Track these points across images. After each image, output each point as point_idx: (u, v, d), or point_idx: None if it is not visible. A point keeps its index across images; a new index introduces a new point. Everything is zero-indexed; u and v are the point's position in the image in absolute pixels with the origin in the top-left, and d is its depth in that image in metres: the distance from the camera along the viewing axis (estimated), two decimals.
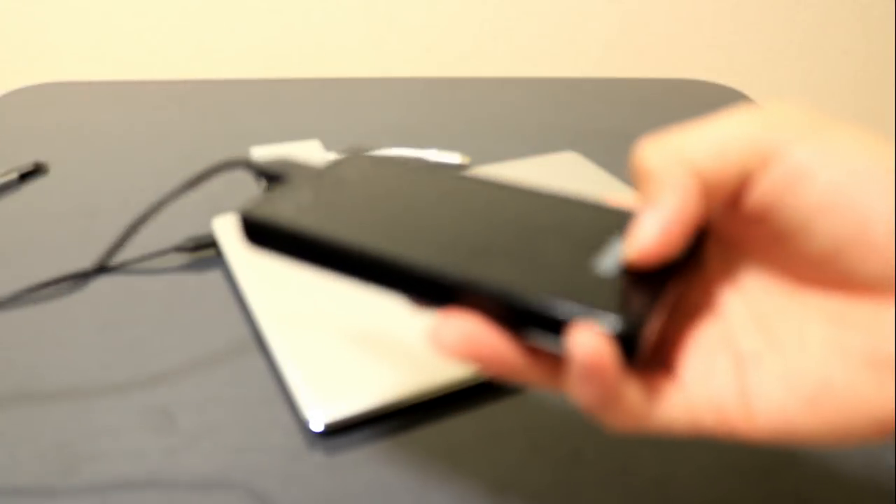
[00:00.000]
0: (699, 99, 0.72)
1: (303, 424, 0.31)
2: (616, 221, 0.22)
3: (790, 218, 0.19)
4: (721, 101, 0.72)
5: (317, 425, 0.30)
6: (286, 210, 0.23)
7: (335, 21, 0.87)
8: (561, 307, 0.18)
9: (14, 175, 0.50)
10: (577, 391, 0.18)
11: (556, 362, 0.20)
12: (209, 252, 0.43)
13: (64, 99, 0.65)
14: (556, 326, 0.19)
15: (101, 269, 0.40)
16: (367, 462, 0.30)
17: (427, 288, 0.20)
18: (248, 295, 0.37)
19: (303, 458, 0.30)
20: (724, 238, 0.22)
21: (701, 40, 0.95)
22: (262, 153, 0.53)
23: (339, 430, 0.31)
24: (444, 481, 0.29)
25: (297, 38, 0.87)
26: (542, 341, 0.19)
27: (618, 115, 0.67)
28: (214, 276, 0.41)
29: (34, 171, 0.51)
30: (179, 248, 0.41)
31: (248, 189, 0.50)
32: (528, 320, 0.19)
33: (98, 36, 0.84)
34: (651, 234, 0.19)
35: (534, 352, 0.20)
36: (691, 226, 0.19)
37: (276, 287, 0.37)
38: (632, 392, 0.19)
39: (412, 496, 0.28)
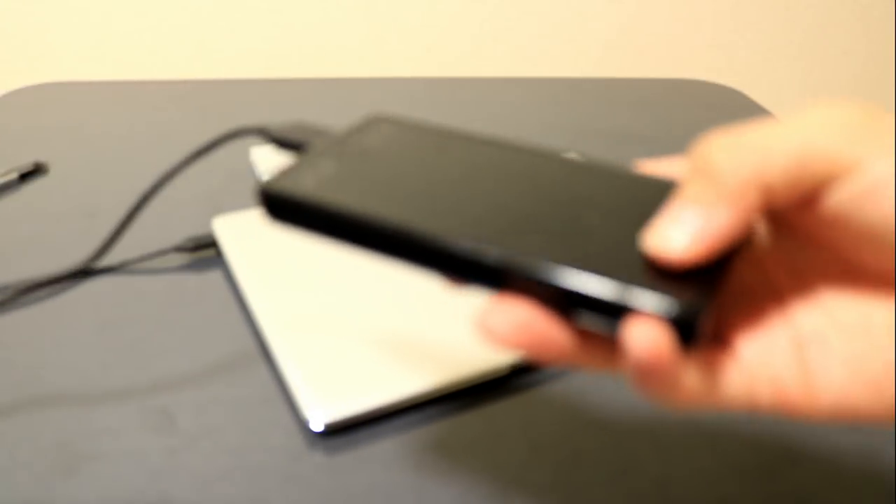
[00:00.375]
0: (699, 99, 0.72)
1: (303, 424, 0.31)
2: (661, 193, 0.21)
3: (862, 227, 0.18)
4: (721, 101, 0.72)
5: (317, 425, 0.30)
6: (309, 183, 0.21)
7: (335, 21, 0.87)
8: (618, 292, 0.18)
9: (14, 175, 0.50)
10: (634, 378, 0.18)
11: (610, 344, 0.19)
12: (209, 252, 0.43)
13: (64, 99, 0.65)
14: (612, 311, 0.18)
15: (103, 268, 0.40)
16: (367, 462, 0.30)
17: (470, 269, 0.19)
18: (248, 295, 0.37)
19: (303, 458, 0.30)
20: (785, 224, 0.21)
21: (701, 40, 0.95)
22: (263, 153, 0.53)
23: (339, 430, 0.31)
24: (444, 481, 0.29)
25: (297, 38, 0.87)
26: (598, 326, 0.18)
27: (618, 115, 0.67)
28: (214, 276, 0.41)
29: (34, 171, 0.51)
30: (179, 248, 0.41)
31: (249, 189, 0.50)
32: (583, 305, 0.18)
33: (98, 36, 0.84)
34: (678, 243, 0.18)
35: (587, 335, 0.19)
36: (729, 243, 0.18)
37: (276, 287, 0.37)
38: (690, 375, 0.18)
39: (412, 496, 0.28)
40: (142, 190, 0.50)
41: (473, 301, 0.36)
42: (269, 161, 0.51)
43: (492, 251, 0.19)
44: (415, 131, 0.24)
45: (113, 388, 0.33)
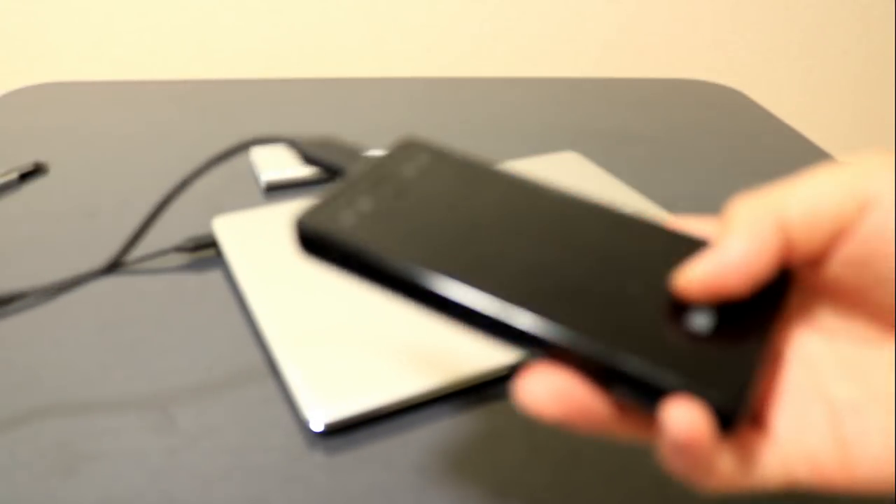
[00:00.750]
0: (699, 99, 0.72)
1: (303, 424, 0.31)
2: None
3: (882, 267, 0.18)
4: (721, 101, 0.72)
5: (317, 425, 0.30)
6: (346, 223, 0.21)
7: (335, 21, 0.87)
8: (659, 374, 0.18)
9: (14, 175, 0.50)
10: (668, 459, 0.18)
11: (647, 418, 0.19)
12: (209, 252, 0.43)
13: (64, 99, 0.65)
14: (653, 393, 0.18)
15: (103, 269, 0.40)
16: (367, 462, 0.30)
17: (510, 334, 0.19)
18: (248, 295, 0.37)
19: (303, 458, 0.30)
20: (806, 282, 0.21)
21: (701, 40, 0.95)
22: (263, 153, 0.53)
23: (339, 430, 0.31)
24: (444, 481, 0.29)
25: (297, 38, 0.87)
26: (636, 402, 0.18)
27: (618, 115, 0.67)
28: (214, 276, 0.41)
29: (34, 171, 0.51)
30: (179, 248, 0.41)
31: (249, 189, 0.50)
32: (623, 381, 0.18)
33: (98, 36, 0.84)
34: (701, 272, 0.19)
35: (625, 406, 0.19)
36: (752, 276, 0.19)
37: (276, 287, 0.37)
38: (725, 460, 0.18)
39: (412, 496, 0.28)
40: (142, 190, 0.50)
41: None
42: (269, 161, 0.51)
43: (533, 319, 0.19)
44: (451, 164, 0.24)
45: (113, 388, 0.33)
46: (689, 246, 0.22)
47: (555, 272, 0.20)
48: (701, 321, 0.19)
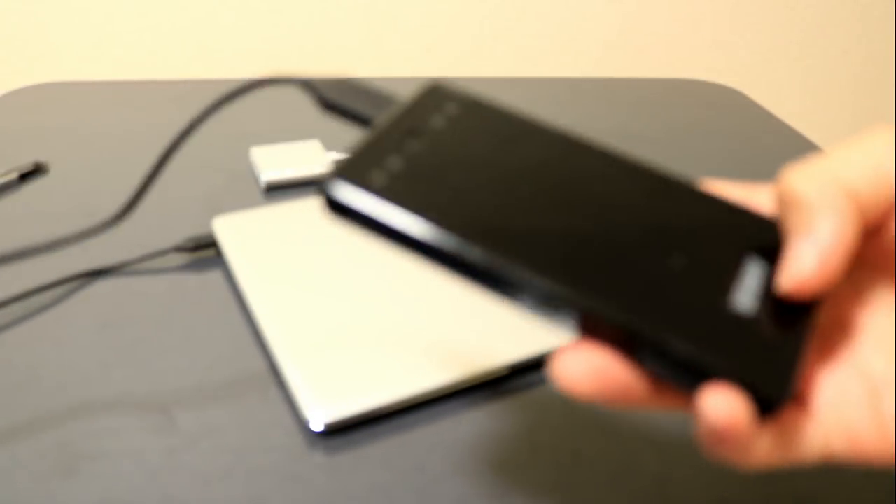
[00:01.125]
0: (699, 99, 0.72)
1: (303, 424, 0.31)
2: (751, 231, 0.20)
3: None
4: (721, 101, 0.72)
5: (317, 425, 0.30)
6: (376, 182, 0.20)
7: (335, 21, 0.87)
8: (703, 358, 0.17)
9: (14, 175, 0.50)
10: (705, 441, 0.18)
11: (685, 395, 0.19)
12: (209, 252, 0.43)
13: (64, 99, 0.65)
14: (694, 375, 0.17)
15: (103, 269, 0.40)
16: (367, 462, 0.30)
17: (549, 305, 0.18)
18: (248, 295, 0.37)
19: (303, 458, 0.30)
20: (857, 256, 0.21)
21: (701, 40, 0.95)
22: (263, 153, 0.53)
23: (339, 430, 0.31)
24: (444, 481, 0.29)
25: (297, 38, 0.87)
26: (674, 381, 0.18)
27: (618, 115, 0.67)
28: (214, 276, 0.41)
29: (34, 171, 0.51)
30: (179, 248, 0.41)
31: (249, 189, 0.50)
32: (663, 361, 0.17)
33: (98, 36, 0.84)
34: (809, 265, 0.18)
35: (659, 383, 0.19)
36: (850, 254, 0.18)
37: (276, 287, 0.37)
38: (764, 440, 0.18)
39: (412, 496, 0.28)
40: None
41: (474, 301, 0.36)
42: (269, 161, 0.51)
43: (578, 292, 0.18)
44: (484, 115, 0.22)
45: (113, 388, 0.33)
46: (736, 217, 0.20)
47: (599, 240, 0.19)
48: (745, 301, 0.18)
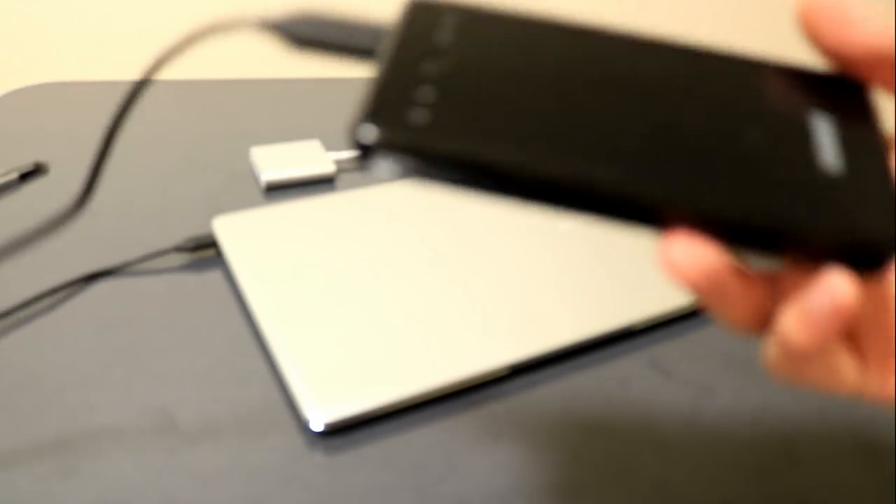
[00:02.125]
0: None
1: (303, 424, 0.31)
2: (814, 90, 0.19)
3: None
4: None
5: (317, 425, 0.30)
6: (420, 125, 0.17)
7: None
8: (811, 231, 0.17)
9: (14, 175, 0.50)
10: (795, 329, 0.17)
11: (774, 292, 0.18)
12: (209, 252, 0.43)
13: (64, 99, 0.65)
14: (807, 251, 0.17)
15: (103, 269, 0.40)
16: (367, 462, 0.30)
17: (638, 210, 0.17)
18: (248, 295, 0.37)
19: (303, 458, 0.30)
20: None
21: (701, 40, 0.95)
22: (263, 153, 0.53)
23: (339, 430, 0.31)
24: (444, 481, 0.29)
25: None
26: (781, 263, 0.17)
27: None
28: (214, 276, 0.41)
29: (34, 171, 0.51)
30: (179, 249, 0.41)
31: (249, 189, 0.50)
32: (768, 243, 0.17)
33: (98, 36, 0.84)
34: None
35: (752, 280, 0.18)
36: None
37: (276, 287, 0.37)
38: (847, 363, 0.18)
39: (412, 496, 0.28)
40: (142, 190, 0.50)
41: (473, 300, 0.36)
42: (269, 161, 0.51)
43: (667, 188, 0.17)
44: (484, 20, 0.20)
45: (113, 388, 0.33)
46: (794, 79, 0.20)
47: (669, 132, 0.18)
48: (830, 159, 0.18)
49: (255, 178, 0.52)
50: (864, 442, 0.32)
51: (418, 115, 0.18)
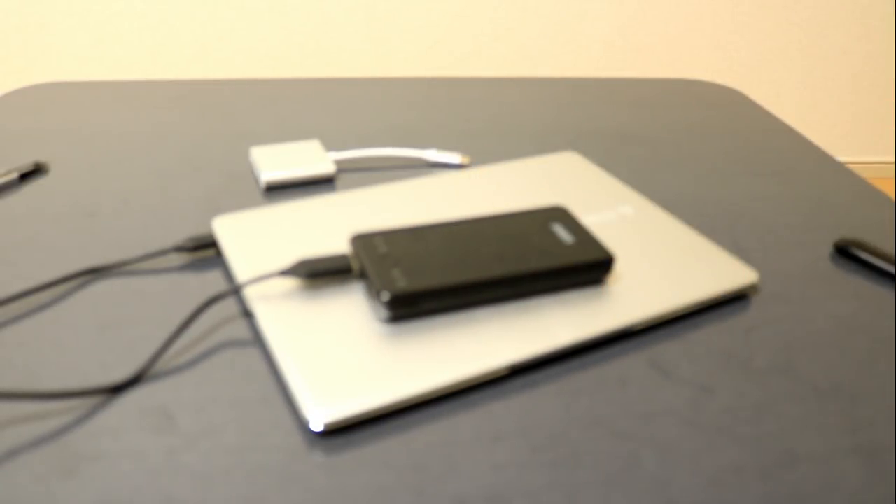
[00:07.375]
0: (699, 99, 0.72)
1: (303, 424, 0.31)
2: (546, 213, 0.41)
3: None
4: (721, 101, 0.72)
5: (317, 425, 0.30)
6: (405, 282, 0.35)
7: (335, 21, 0.87)
8: (568, 261, 0.38)
9: (14, 175, 0.50)
10: None
11: None
12: (209, 252, 0.43)
13: (64, 99, 0.65)
14: (572, 274, 0.38)
15: (103, 269, 0.40)
16: (367, 462, 0.30)
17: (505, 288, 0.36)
18: (248, 294, 0.37)
19: (302, 458, 0.30)
20: None
21: (701, 40, 0.95)
22: (262, 153, 0.53)
23: (339, 430, 0.31)
24: (444, 481, 0.29)
25: (297, 38, 0.87)
26: None
27: (618, 115, 0.67)
28: (214, 276, 0.41)
29: (34, 171, 0.51)
30: (179, 248, 0.41)
31: (249, 189, 0.50)
32: (548, 277, 0.37)
33: (98, 36, 0.84)
34: None
35: None
36: None
37: (276, 287, 0.37)
38: None
39: (412, 496, 0.28)
40: (142, 190, 0.50)
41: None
42: (269, 161, 0.51)
43: (499, 271, 0.36)
44: (397, 233, 0.38)
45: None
46: (537, 211, 0.41)
47: (491, 251, 0.38)
48: (564, 238, 0.37)
49: (255, 178, 0.52)
50: (864, 442, 0.32)
51: (400, 278, 0.35)
